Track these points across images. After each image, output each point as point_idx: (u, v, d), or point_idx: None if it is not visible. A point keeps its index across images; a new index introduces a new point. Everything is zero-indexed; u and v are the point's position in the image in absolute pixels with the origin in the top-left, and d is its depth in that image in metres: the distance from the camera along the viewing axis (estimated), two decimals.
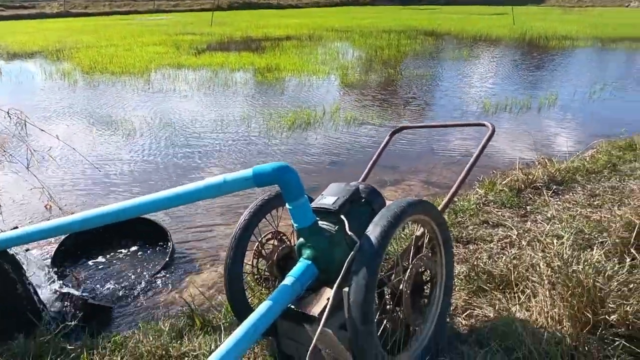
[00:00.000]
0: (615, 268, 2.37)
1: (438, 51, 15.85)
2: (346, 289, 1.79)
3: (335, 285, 1.85)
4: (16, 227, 2.39)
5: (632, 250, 2.71)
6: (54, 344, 2.37)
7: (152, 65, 12.79)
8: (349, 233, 1.97)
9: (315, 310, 2.08)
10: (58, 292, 2.89)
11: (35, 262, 3.39)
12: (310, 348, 1.80)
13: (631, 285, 2.30)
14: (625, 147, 5.45)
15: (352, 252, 1.84)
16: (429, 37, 19.39)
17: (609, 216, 3.12)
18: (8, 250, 2.44)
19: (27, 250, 3.52)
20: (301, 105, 8.40)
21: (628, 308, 2.15)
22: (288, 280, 1.96)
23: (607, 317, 2.15)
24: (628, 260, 2.55)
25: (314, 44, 17.49)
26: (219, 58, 13.84)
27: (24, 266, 2.63)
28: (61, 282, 3.17)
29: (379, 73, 11.79)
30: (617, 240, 2.88)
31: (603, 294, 2.21)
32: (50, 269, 3.32)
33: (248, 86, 10.47)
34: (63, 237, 3.58)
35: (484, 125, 2.87)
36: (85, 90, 10.19)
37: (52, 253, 3.51)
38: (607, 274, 2.30)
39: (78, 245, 3.65)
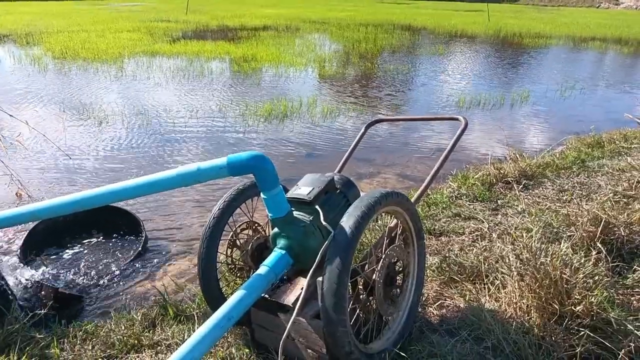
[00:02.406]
0: (582, 261, 2.44)
1: (414, 46, 15.96)
2: (320, 279, 1.81)
3: (309, 275, 1.86)
4: None
5: (598, 244, 2.79)
6: (22, 333, 2.33)
7: (125, 52, 12.56)
8: (324, 223, 1.99)
9: (289, 300, 2.09)
10: (27, 281, 2.83)
11: (4, 250, 3.32)
12: (283, 337, 1.81)
13: (596, 278, 2.37)
14: (593, 144, 5.60)
15: (326, 242, 1.85)
16: (405, 32, 19.50)
17: (576, 211, 3.20)
18: None
19: None
20: (278, 96, 8.36)
21: (593, 299, 2.22)
22: (262, 269, 1.96)
23: (573, 308, 2.21)
24: (594, 253, 2.63)
25: (291, 35, 17.41)
26: (195, 47, 13.67)
27: None
28: (31, 270, 3.11)
29: (356, 66, 11.82)
30: (584, 234, 2.96)
31: (569, 286, 2.27)
32: (20, 258, 3.25)
33: (224, 76, 10.37)
34: (33, 224, 3.50)
35: (457, 119, 2.91)
36: (56, 76, 9.95)
37: (22, 241, 3.42)
38: (573, 267, 2.36)
39: (48, 234, 3.57)
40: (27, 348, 2.22)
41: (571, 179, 4.44)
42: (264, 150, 5.68)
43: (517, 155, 4.85)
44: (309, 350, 2.00)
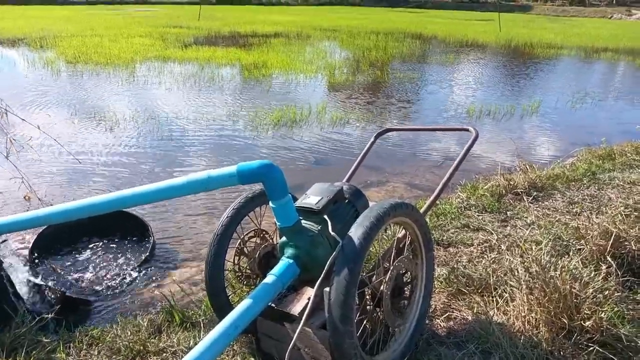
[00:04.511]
0: (592, 275, 2.42)
1: (425, 55, 15.96)
2: (327, 289, 1.80)
3: (316, 285, 1.85)
4: None
5: (608, 258, 2.76)
6: (29, 336, 2.33)
7: (137, 57, 12.66)
8: (332, 233, 1.98)
9: (295, 309, 2.09)
10: (35, 285, 2.85)
11: (12, 253, 3.34)
12: (289, 347, 1.80)
13: (606, 292, 2.34)
14: (604, 156, 5.55)
15: (334, 252, 1.85)
16: (415, 40, 19.52)
17: (586, 224, 3.17)
18: None
19: (3, 241, 3.47)
20: (287, 103, 8.38)
21: (602, 315, 2.20)
22: (269, 278, 1.96)
23: (582, 322, 2.19)
24: (604, 267, 2.60)
25: (301, 42, 17.48)
26: (206, 52, 13.76)
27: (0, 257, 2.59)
28: (38, 274, 3.12)
29: (366, 74, 11.83)
30: (594, 248, 2.93)
31: (579, 300, 2.25)
32: (28, 261, 3.27)
33: (234, 82, 10.43)
34: (41, 228, 3.52)
35: (467, 130, 2.90)
36: (68, 80, 10.05)
37: (30, 245, 3.45)
38: (583, 281, 2.34)
39: (57, 238, 3.59)
40: (34, 352, 2.23)
41: (581, 191, 4.41)
42: (273, 158, 5.69)
43: (527, 166, 4.82)
44: None
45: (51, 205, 2.19)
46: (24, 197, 4.35)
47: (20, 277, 2.97)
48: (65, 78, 10.29)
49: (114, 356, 2.30)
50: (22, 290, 2.76)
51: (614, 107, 9.45)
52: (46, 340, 2.34)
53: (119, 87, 9.54)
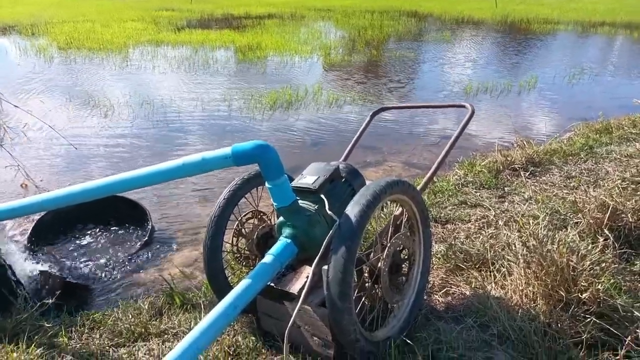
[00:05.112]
0: (589, 248, 2.42)
1: (420, 32, 15.83)
2: (325, 267, 1.81)
3: (314, 263, 1.86)
4: None
5: (605, 231, 2.77)
6: (31, 322, 2.35)
7: (130, 42, 12.54)
8: (329, 212, 1.98)
9: (294, 288, 2.10)
10: (35, 271, 2.86)
11: (12, 239, 3.35)
12: (289, 325, 1.82)
13: (603, 265, 2.35)
14: (601, 130, 5.55)
15: (331, 231, 1.85)
16: (411, 18, 19.34)
17: (584, 197, 3.17)
18: None
19: (1, 228, 3.47)
20: (283, 84, 8.33)
21: (599, 286, 2.21)
22: (268, 258, 1.97)
23: (579, 295, 2.20)
24: (601, 240, 2.61)
25: (296, 23, 17.31)
26: (199, 35, 13.62)
27: None
28: (38, 260, 3.13)
29: (361, 54, 11.74)
30: (591, 221, 2.94)
31: (576, 273, 2.26)
32: (27, 248, 3.27)
33: (229, 65, 10.34)
34: (40, 215, 3.52)
35: (463, 106, 2.89)
36: (61, 67, 9.95)
37: (29, 231, 3.45)
38: (580, 254, 2.35)
39: (55, 224, 3.59)
40: (36, 337, 2.24)
41: (579, 166, 4.41)
42: (269, 140, 5.67)
43: (525, 142, 4.81)
44: (315, 338, 2.01)
45: (48, 191, 2.18)
46: (21, 185, 4.34)
47: (20, 263, 2.99)
48: (58, 65, 10.19)
49: (115, 339, 2.32)
50: (23, 276, 2.78)
51: (611, 82, 9.41)
52: (48, 325, 2.35)
53: (112, 72, 9.46)
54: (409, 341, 2.05)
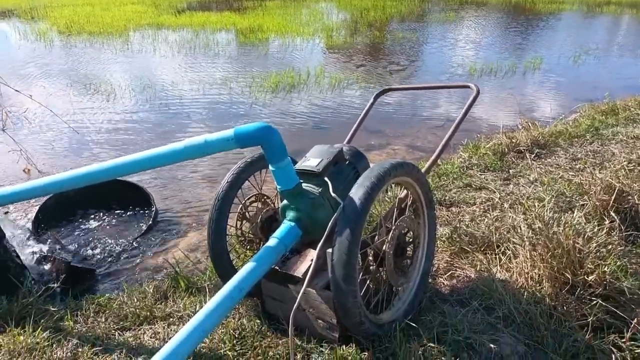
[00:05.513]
0: (595, 230, 2.41)
1: (424, 13, 15.64)
2: (330, 250, 1.79)
3: (318, 246, 1.85)
4: None
5: (612, 213, 2.75)
6: (37, 305, 2.35)
7: (130, 25, 12.43)
8: (333, 195, 1.97)
9: (299, 271, 2.09)
10: (40, 255, 2.86)
11: (16, 224, 3.35)
12: (294, 307, 1.81)
13: (609, 247, 2.34)
14: (607, 111, 5.49)
15: (335, 214, 1.84)
16: None
17: (590, 179, 3.14)
18: None
19: (6, 212, 3.48)
20: (285, 67, 8.26)
21: (605, 269, 2.20)
22: (272, 241, 1.96)
23: (585, 277, 2.19)
24: (607, 222, 2.59)
25: (297, 4, 17.13)
26: (200, 18, 13.50)
27: (3, 228, 2.59)
28: (43, 244, 3.13)
29: (364, 35, 11.61)
30: (597, 203, 2.91)
31: (582, 255, 2.24)
32: (32, 233, 3.28)
33: (230, 47, 10.25)
34: (44, 199, 3.52)
35: (468, 87, 2.85)
36: (61, 51, 9.89)
37: (33, 215, 3.45)
38: (586, 236, 2.33)
39: (59, 208, 3.59)
40: (42, 320, 2.25)
41: (584, 147, 4.37)
42: (272, 122, 5.64)
43: (530, 124, 4.77)
44: (319, 321, 2.01)
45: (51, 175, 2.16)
46: (24, 170, 4.33)
47: (25, 248, 2.99)
48: (58, 49, 10.12)
49: (121, 322, 2.33)
50: (28, 261, 2.78)
51: (617, 62, 9.30)
52: (53, 309, 2.36)
53: (113, 56, 9.40)
54: (413, 324, 2.05)
